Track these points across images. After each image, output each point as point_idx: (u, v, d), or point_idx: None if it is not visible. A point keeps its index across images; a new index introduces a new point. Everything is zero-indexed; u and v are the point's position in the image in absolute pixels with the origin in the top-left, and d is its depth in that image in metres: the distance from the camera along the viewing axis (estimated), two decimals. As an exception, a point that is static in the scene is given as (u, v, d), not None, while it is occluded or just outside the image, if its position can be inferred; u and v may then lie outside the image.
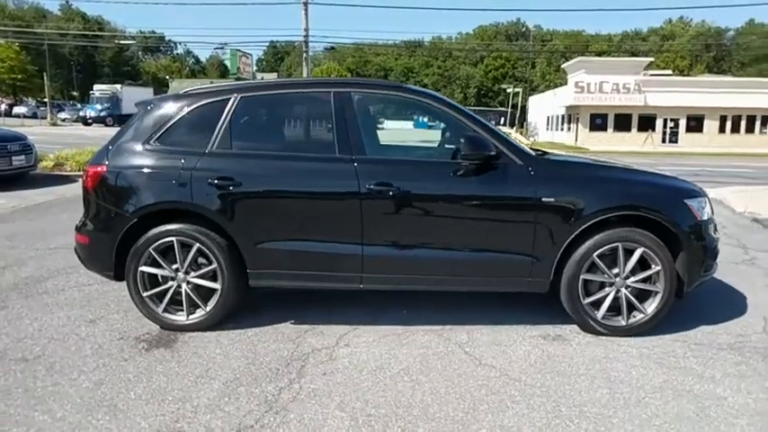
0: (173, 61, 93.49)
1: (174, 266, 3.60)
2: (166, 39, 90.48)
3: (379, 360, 3.27)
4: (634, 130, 37.71)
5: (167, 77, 66.27)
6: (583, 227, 3.47)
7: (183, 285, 3.62)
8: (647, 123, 37.39)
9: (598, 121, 38.17)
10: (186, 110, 3.67)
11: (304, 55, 35.54)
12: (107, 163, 3.61)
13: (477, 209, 3.54)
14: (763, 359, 3.34)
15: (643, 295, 3.61)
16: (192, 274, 3.61)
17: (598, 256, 3.52)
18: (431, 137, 6.62)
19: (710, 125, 36.96)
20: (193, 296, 3.62)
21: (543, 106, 47.32)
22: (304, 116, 3.94)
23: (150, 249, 3.55)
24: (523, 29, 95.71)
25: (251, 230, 3.53)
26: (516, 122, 47.87)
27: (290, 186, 3.54)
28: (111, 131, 5.31)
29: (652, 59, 42.38)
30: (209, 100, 3.70)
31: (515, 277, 3.59)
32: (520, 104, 49.22)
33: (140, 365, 3.16)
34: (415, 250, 3.55)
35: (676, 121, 37.30)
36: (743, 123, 36.73)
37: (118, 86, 47.15)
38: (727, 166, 19.84)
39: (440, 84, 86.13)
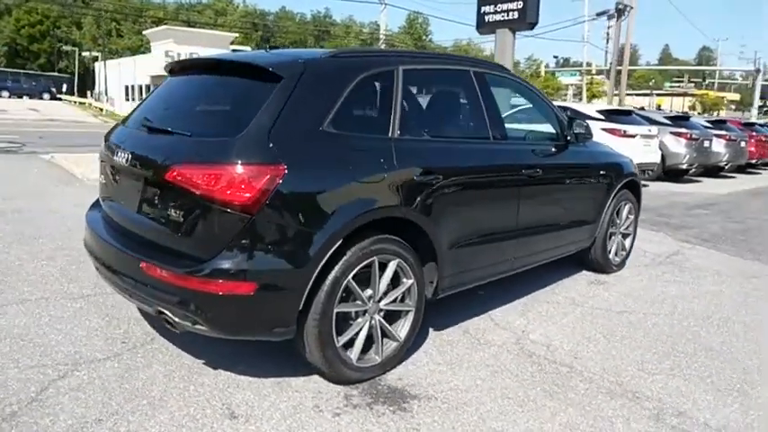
0: None
1: (368, 294, 2.70)
2: None
3: (571, 331, 3.46)
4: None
5: None
6: (615, 192, 4.43)
7: (376, 317, 2.76)
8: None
9: (190, 93, 38.06)
10: (353, 81, 2.68)
11: None
12: (282, 161, 2.31)
13: (574, 184, 4.03)
14: (682, 268, 5.14)
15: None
16: (385, 299, 2.79)
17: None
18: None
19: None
20: (387, 327, 2.81)
21: (121, 74, 43.46)
22: (450, 95, 3.39)
23: (350, 278, 2.55)
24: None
25: (449, 232, 2.99)
26: (95, 90, 42.63)
27: (481, 177, 3.18)
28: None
29: (237, 35, 44.62)
30: (376, 70, 2.82)
31: (583, 241, 4.28)
32: (78, 70, 43.70)
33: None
34: (542, 228, 3.77)
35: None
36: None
37: None
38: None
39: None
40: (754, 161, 15.15)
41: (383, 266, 2.71)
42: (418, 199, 2.78)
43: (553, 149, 3.85)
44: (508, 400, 2.64)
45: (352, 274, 2.55)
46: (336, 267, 2.48)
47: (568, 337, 3.39)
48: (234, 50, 40.47)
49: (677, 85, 72.30)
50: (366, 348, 2.75)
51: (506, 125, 3.59)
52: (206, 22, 71.52)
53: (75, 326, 3.18)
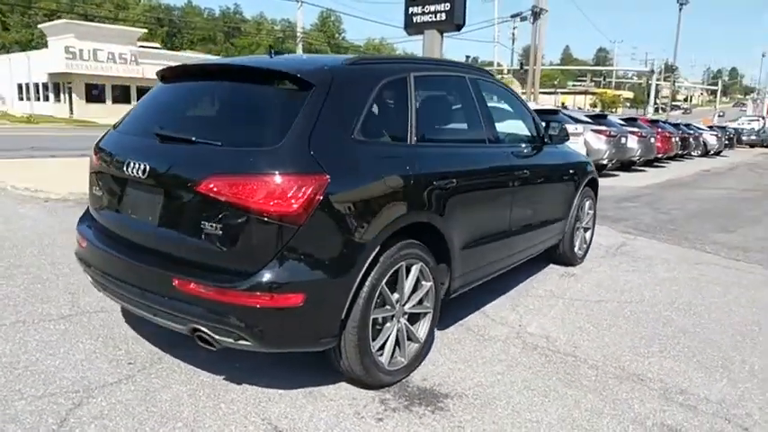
0: None
1: (395, 299, 2.74)
2: None
3: (562, 323, 3.68)
4: (134, 102, 37.30)
5: None
6: (581, 189, 4.74)
7: (402, 320, 2.81)
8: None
9: (95, 92, 35.79)
10: (376, 89, 2.70)
11: None
12: (325, 170, 2.30)
13: (553, 183, 4.27)
14: (635, 258, 5.59)
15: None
16: (409, 303, 2.84)
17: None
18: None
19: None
20: (411, 329, 2.87)
21: (12, 71, 39.85)
22: (452, 100, 3.45)
23: (383, 284, 2.59)
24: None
25: (460, 233, 3.09)
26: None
27: (484, 178, 3.31)
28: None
29: (145, 30, 42.15)
30: (393, 77, 2.86)
31: (557, 236, 4.55)
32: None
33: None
34: (529, 226, 3.98)
35: (173, 94, 39.05)
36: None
37: None
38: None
39: None
40: (660, 155, 16.61)
41: (407, 270, 2.76)
42: (436, 203, 2.86)
43: (534, 151, 4.06)
44: (531, 392, 2.79)
45: (384, 280, 2.58)
46: (372, 273, 2.51)
47: (561, 328, 3.60)
48: (142, 47, 38.34)
49: (579, 84, 77.47)
50: (392, 353, 2.79)
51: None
52: (105, 17, 67.17)
53: (69, 349, 2.97)
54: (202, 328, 2.31)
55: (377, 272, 2.52)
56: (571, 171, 4.57)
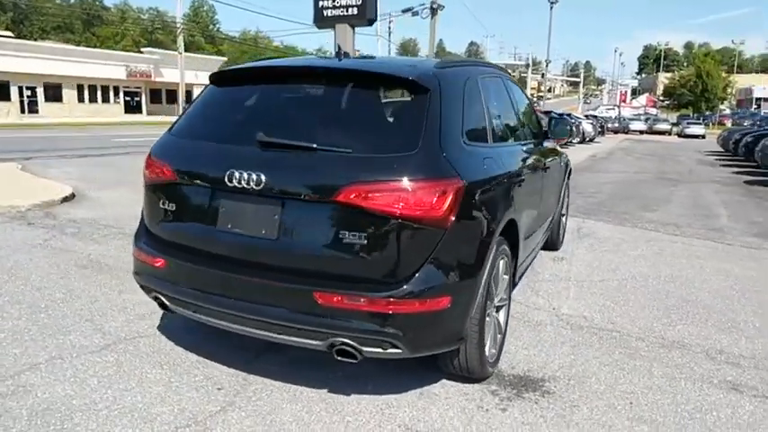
0: None
1: (494, 292, 2.85)
2: None
3: (586, 302, 4.02)
4: (-15, 100, 32.88)
5: None
6: (566, 177, 5.15)
7: (494, 313, 2.93)
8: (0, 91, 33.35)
9: (-66, 88, 30.95)
10: (465, 92, 2.78)
11: None
12: (459, 175, 2.34)
13: (556, 174, 4.59)
14: (600, 239, 6.15)
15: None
16: (498, 296, 2.96)
17: (561, 195, 5.31)
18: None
19: (70, 94, 36.86)
20: (500, 321, 3.01)
21: None
22: (500, 100, 3.53)
23: (492, 280, 2.70)
24: None
25: (523, 227, 3.26)
26: None
27: (531, 174, 3.55)
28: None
29: (-5, 18, 36.88)
30: (472, 80, 2.94)
31: (551, 226, 4.89)
32: None
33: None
34: (545, 216, 4.26)
35: (34, 90, 34.99)
36: (99, 93, 38.58)
37: None
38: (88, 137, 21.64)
39: None
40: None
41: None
42: (513, 199, 3.01)
43: (541, 146, 4.35)
44: (608, 367, 3.05)
45: (492, 276, 2.68)
46: (489, 270, 2.59)
47: (589, 308, 3.93)
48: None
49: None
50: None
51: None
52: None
53: (140, 381, 2.70)
54: (348, 341, 2.25)
55: (489, 268, 2.61)
56: (562, 163, 4.94)
